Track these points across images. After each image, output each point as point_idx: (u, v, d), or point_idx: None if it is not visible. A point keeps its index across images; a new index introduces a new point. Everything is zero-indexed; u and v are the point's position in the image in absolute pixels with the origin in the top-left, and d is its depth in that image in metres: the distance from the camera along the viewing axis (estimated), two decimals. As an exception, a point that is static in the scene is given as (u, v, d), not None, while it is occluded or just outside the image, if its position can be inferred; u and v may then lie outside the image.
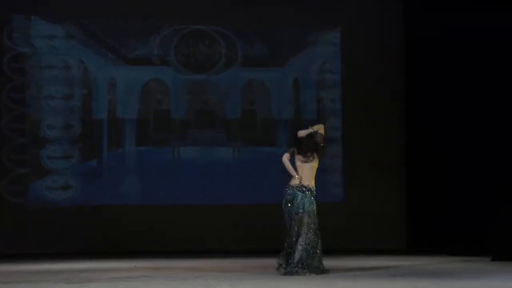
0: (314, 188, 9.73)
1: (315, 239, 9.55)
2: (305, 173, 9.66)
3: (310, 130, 9.70)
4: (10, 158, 15.66)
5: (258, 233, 15.40)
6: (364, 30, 16.28)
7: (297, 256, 9.42)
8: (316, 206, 9.64)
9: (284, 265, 9.52)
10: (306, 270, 9.41)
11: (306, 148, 9.63)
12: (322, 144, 9.69)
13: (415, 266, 11.28)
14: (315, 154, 9.67)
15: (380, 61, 16.24)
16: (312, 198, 9.67)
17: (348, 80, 16.28)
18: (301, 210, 9.55)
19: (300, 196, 9.57)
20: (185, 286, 8.64)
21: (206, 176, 15.99)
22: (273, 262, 9.89)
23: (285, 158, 9.67)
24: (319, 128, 9.73)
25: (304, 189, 9.61)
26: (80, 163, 15.94)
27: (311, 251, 9.51)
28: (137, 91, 16.18)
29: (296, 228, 9.51)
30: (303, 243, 9.44)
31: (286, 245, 9.53)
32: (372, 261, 12.39)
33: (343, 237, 15.04)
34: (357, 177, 15.94)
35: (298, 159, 9.68)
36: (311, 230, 9.54)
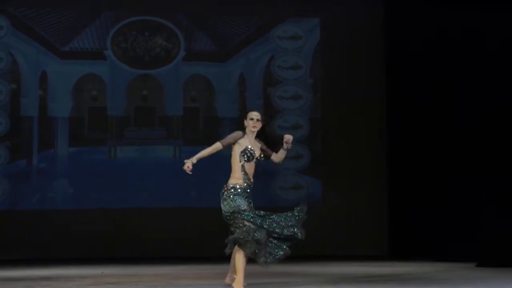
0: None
1: None
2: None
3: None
4: None
5: (200, 238, 15.12)
6: (335, 21, 16.26)
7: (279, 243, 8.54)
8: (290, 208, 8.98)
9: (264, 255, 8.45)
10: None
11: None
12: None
13: (397, 272, 11.26)
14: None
15: (359, 59, 16.20)
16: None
17: (325, 78, 16.20)
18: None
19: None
20: None
21: (145, 177, 15.69)
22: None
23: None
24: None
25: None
26: (8, 163, 15.47)
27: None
28: (70, 86, 15.78)
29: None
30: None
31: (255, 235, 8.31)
32: (353, 267, 12.33)
33: (324, 243, 14.99)
34: (337, 181, 15.83)
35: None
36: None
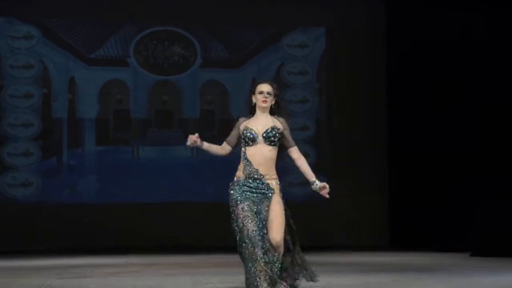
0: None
1: None
2: None
3: None
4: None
5: (216, 230, 15.01)
6: (340, 30, 16.20)
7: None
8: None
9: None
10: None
11: None
12: None
13: (397, 261, 11.19)
14: None
15: (362, 64, 16.12)
16: None
17: (330, 83, 16.16)
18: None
19: None
20: (173, 281, 8.36)
21: (165, 175, 15.63)
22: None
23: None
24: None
25: None
26: (40, 161, 15.44)
27: None
28: (96, 91, 15.77)
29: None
30: None
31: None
32: (355, 257, 12.31)
33: (329, 234, 14.89)
34: (342, 178, 15.55)
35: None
36: None
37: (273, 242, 6.10)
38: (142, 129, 15.81)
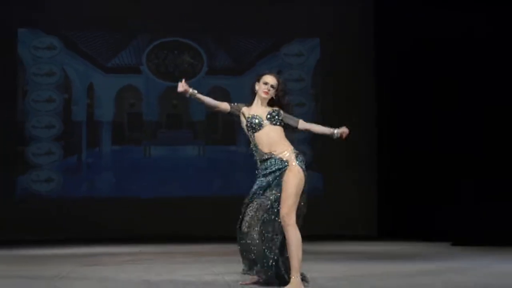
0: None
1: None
2: None
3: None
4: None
5: (223, 221, 15.22)
6: (334, 37, 16.36)
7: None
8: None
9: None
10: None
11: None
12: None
13: (385, 250, 11.19)
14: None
15: (353, 71, 16.25)
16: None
17: (325, 89, 16.35)
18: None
19: None
20: (184, 269, 8.41)
21: (174, 172, 15.86)
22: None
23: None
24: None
25: None
26: (62, 159, 15.73)
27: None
28: (112, 96, 16.03)
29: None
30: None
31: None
32: (345, 246, 12.28)
33: (324, 225, 14.79)
34: (335, 175, 15.88)
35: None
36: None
37: (280, 214, 5.93)
38: (153, 131, 16.04)
